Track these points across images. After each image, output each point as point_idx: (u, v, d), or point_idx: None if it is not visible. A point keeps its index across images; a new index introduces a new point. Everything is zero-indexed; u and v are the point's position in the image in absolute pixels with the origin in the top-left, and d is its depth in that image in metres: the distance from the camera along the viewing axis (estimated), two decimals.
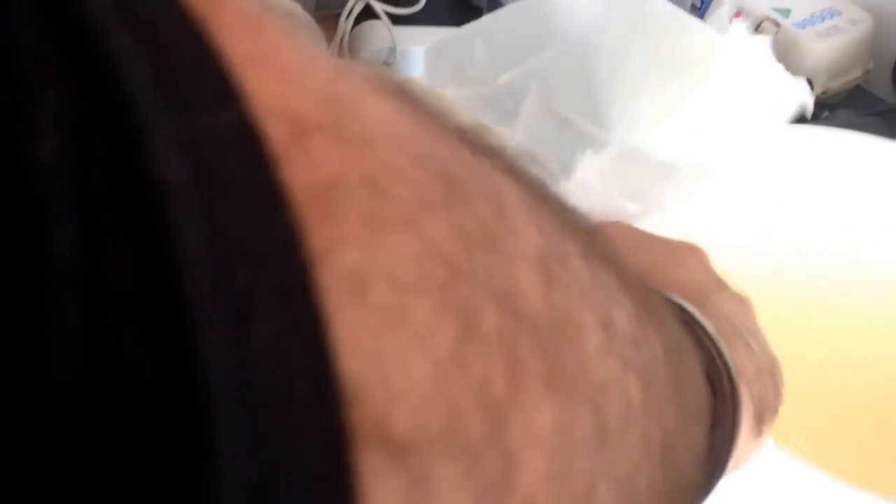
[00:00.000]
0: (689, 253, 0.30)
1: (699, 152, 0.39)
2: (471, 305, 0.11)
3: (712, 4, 0.74)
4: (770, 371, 0.27)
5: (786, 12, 0.72)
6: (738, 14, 0.73)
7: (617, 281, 0.15)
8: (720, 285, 0.29)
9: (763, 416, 0.26)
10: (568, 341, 0.13)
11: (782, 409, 0.55)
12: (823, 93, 0.72)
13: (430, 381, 0.10)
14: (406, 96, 0.13)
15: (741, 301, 0.29)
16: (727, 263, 0.33)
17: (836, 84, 0.73)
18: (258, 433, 0.09)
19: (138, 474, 0.08)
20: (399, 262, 0.10)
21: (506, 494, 0.11)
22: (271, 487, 0.09)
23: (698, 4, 0.76)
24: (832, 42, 0.71)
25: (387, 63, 0.72)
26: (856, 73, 0.74)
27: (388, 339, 0.10)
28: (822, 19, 0.73)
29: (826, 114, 0.71)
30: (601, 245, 0.16)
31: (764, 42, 0.39)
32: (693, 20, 0.40)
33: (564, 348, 0.13)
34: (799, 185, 0.61)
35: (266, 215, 0.09)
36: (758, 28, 0.72)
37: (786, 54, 0.71)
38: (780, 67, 0.39)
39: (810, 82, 0.70)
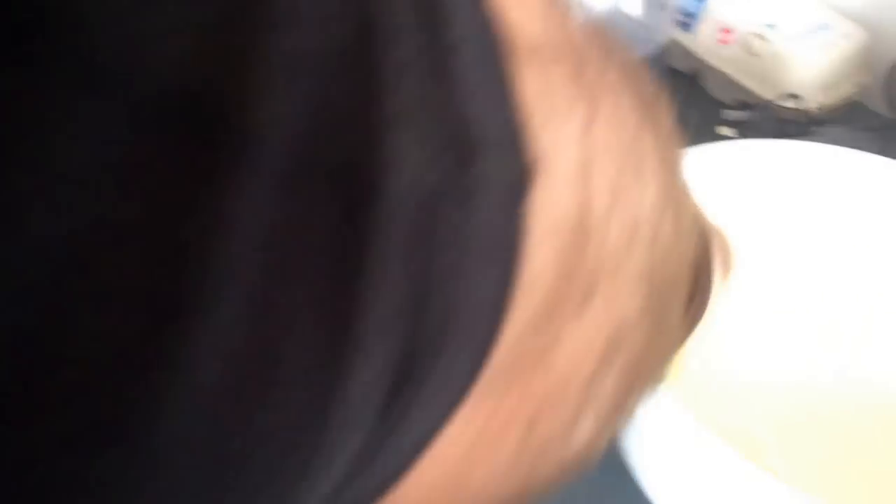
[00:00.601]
0: None
1: None
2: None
3: (699, 20, 0.73)
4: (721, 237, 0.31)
5: (774, 27, 0.71)
6: (725, 30, 0.72)
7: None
8: None
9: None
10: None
11: (760, 430, 0.53)
12: (817, 108, 0.71)
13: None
14: None
15: None
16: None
17: (829, 99, 0.71)
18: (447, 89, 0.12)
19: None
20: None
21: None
22: (472, 119, 0.12)
23: (689, 23, 0.75)
24: (822, 57, 0.70)
25: None
26: (849, 88, 0.72)
27: None
28: (812, 34, 0.71)
29: (819, 129, 0.69)
30: None
31: None
32: None
33: (614, 95, 0.17)
34: (790, 201, 0.60)
35: None
36: (746, 44, 0.71)
37: (775, 70, 0.70)
38: None
39: (799, 98, 0.69)
